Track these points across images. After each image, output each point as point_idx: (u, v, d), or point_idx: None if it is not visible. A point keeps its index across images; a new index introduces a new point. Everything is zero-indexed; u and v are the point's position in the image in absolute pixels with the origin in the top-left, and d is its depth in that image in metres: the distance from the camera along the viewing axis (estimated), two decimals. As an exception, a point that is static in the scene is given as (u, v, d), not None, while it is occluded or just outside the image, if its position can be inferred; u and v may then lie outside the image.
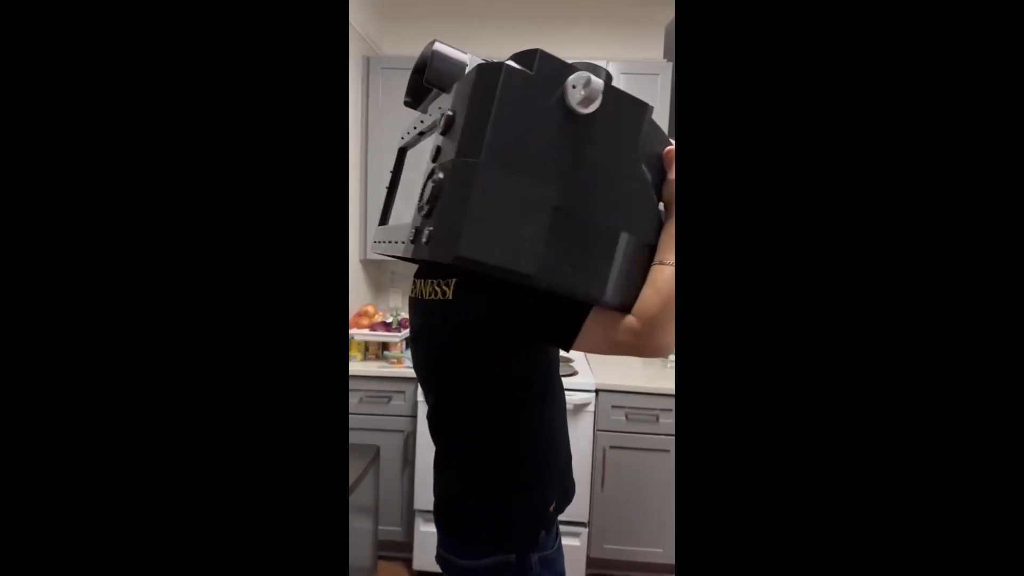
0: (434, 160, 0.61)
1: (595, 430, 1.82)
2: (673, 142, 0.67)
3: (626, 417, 1.83)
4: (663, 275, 0.63)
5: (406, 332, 2.07)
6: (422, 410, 1.82)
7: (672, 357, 2.21)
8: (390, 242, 0.72)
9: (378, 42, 2.17)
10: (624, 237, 0.63)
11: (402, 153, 0.83)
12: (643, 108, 0.63)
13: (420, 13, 2.18)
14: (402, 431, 1.88)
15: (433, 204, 0.57)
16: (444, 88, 0.68)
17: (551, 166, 0.57)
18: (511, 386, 0.74)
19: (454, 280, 0.70)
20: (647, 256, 0.66)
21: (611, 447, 1.83)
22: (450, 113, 0.59)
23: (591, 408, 1.80)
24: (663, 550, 1.87)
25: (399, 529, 1.90)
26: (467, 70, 0.66)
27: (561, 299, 0.63)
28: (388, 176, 0.87)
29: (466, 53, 0.68)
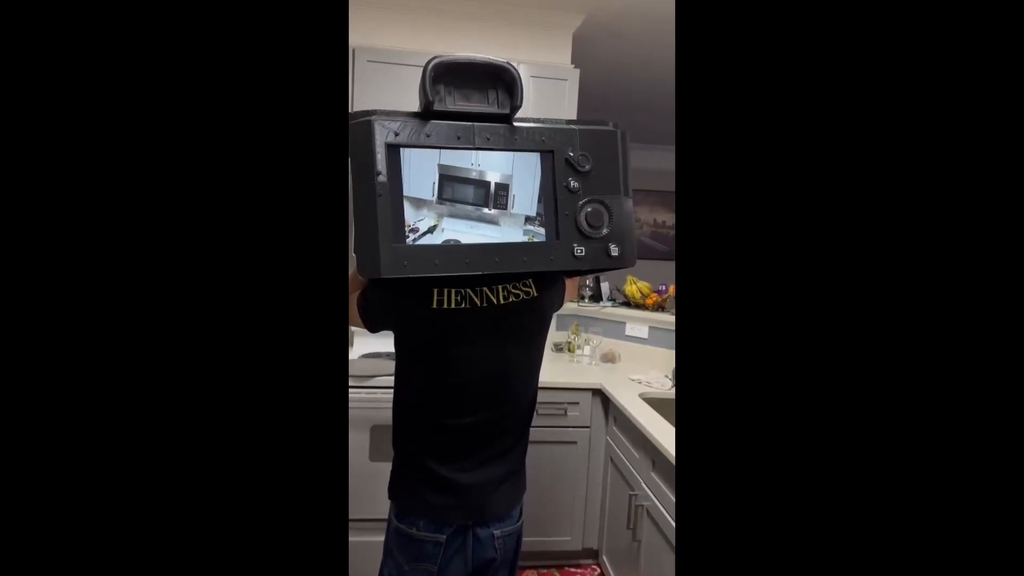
0: (574, 192, 0.82)
1: (506, 426, 1.85)
2: None
3: (536, 411, 1.88)
4: None
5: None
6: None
7: (579, 352, 2.30)
8: (497, 260, 0.80)
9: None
10: None
11: (394, 151, 0.75)
12: None
13: None
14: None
15: (609, 229, 0.83)
16: (511, 115, 0.80)
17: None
18: (537, 374, 1.01)
19: (531, 280, 0.90)
20: None
21: (522, 442, 1.87)
22: (587, 156, 0.82)
23: (502, 404, 1.83)
24: (571, 537, 1.95)
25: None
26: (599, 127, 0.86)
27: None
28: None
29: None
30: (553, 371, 2.06)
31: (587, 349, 2.28)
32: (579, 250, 0.82)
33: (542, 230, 0.82)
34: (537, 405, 1.82)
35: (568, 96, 2.06)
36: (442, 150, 0.77)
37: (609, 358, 2.25)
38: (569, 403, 1.90)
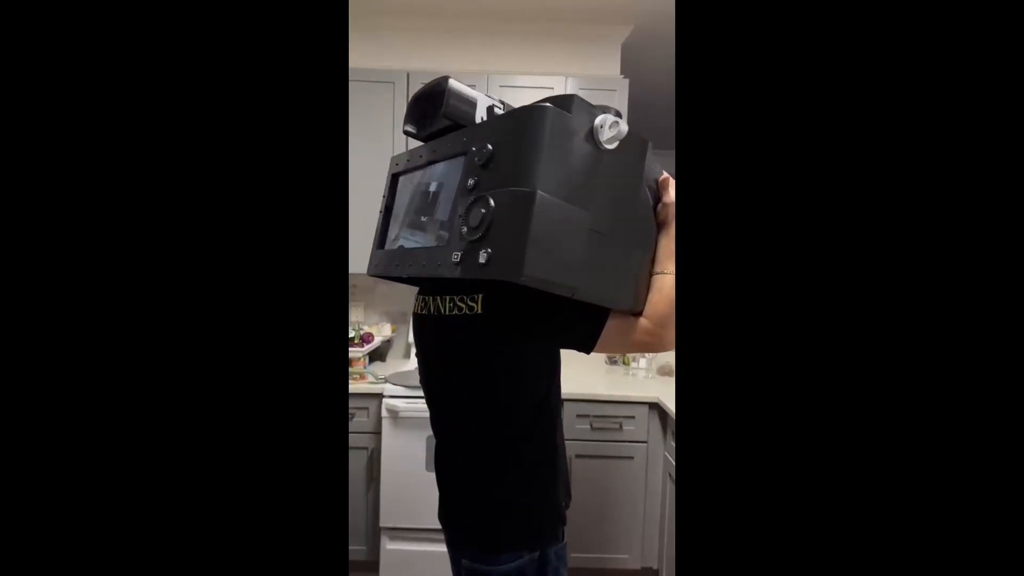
0: (471, 191, 0.68)
1: (561, 439, 1.83)
2: (663, 172, 0.80)
3: (591, 426, 1.85)
4: (666, 282, 0.75)
5: (369, 347, 2.04)
6: (387, 426, 1.79)
7: (634, 364, 2.25)
8: (408, 264, 0.79)
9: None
10: (636, 253, 0.75)
11: (395, 179, 0.91)
12: (645, 143, 0.74)
13: (380, 25, 2.18)
14: (365, 448, 1.85)
15: (485, 229, 0.65)
16: (459, 122, 0.76)
17: (585, 194, 0.66)
18: (531, 395, 0.82)
19: (480, 295, 0.76)
20: (649, 267, 0.77)
21: (577, 456, 1.85)
22: (489, 148, 0.67)
23: (556, 418, 1.82)
24: (629, 556, 1.89)
25: (363, 548, 1.86)
26: (476, 107, 0.77)
27: (584, 306, 0.72)
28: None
29: (474, 87, 0.78)
30: (607, 384, 2.03)
31: (643, 362, 2.23)
32: (456, 255, 0.67)
33: (447, 234, 0.73)
34: (591, 419, 1.84)
35: (618, 106, 2.05)
36: (421, 171, 0.85)
37: (667, 371, 2.19)
38: (624, 417, 1.86)
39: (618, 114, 0.70)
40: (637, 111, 2.19)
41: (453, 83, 0.75)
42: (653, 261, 0.77)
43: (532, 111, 0.64)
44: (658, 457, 1.88)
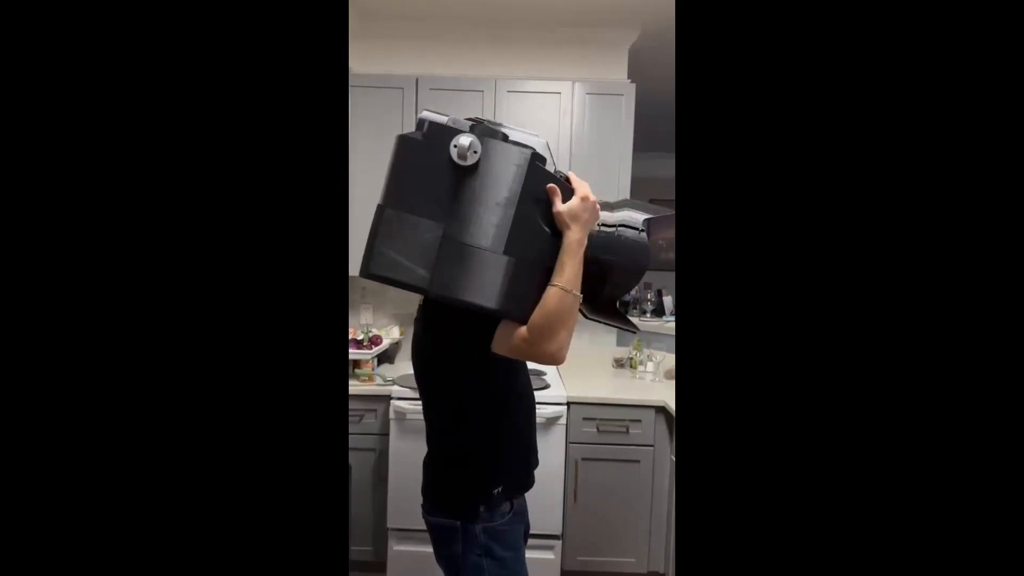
0: None
1: (567, 443, 1.83)
2: (566, 174, 0.84)
3: (597, 429, 1.86)
4: (548, 294, 0.79)
5: (377, 349, 2.06)
6: (395, 428, 1.81)
7: (641, 368, 2.25)
8: None
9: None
10: (510, 260, 0.78)
11: None
12: (526, 156, 0.79)
13: (388, 31, 2.20)
14: (374, 449, 1.86)
15: (367, 238, 0.78)
16: None
17: (441, 205, 0.77)
18: (463, 385, 0.90)
19: (423, 297, 0.92)
20: (545, 276, 0.80)
21: (583, 459, 1.85)
22: None
23: (563, 421, 1.82)
24: (635, 559, 1.89)
25: (370, 549, 1.87)
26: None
27: (482, 312, 0.80)
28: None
29: (447, 116, 0.82)
30: (614, 387, 2.03)
31: (650, 366, 2.23)
32: None
33: None
34: (597, 422, 1.84)
35: (625, 111, 2.06)
36: None
37: (673, 375, 2.19)
38: (631, 420, 1.86)
39: (505, 137, 0.78)
40: (644, 116, 2.20)
41: (425, 113, 0.84)
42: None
43: (399, 139, 0.79)
44: (664, 461, 1.88)
